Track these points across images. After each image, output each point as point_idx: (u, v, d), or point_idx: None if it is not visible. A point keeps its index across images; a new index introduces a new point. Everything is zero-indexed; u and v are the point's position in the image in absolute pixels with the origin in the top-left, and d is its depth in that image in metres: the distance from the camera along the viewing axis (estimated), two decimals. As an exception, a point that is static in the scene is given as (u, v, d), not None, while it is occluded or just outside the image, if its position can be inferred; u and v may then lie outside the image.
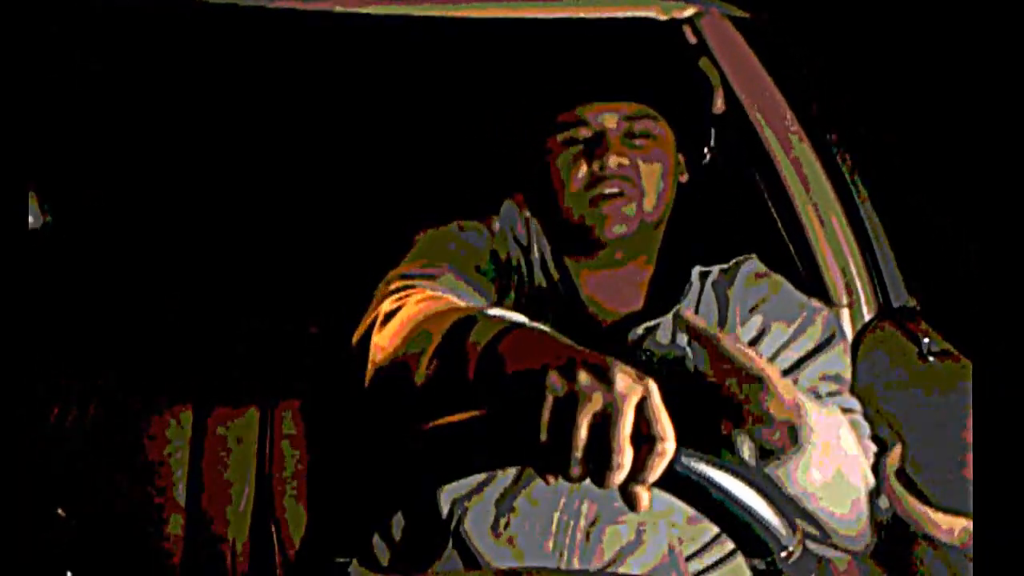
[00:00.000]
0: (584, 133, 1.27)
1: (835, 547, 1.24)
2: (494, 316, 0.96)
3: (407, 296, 1.13)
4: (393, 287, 1.19)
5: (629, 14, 1.42)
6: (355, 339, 1.17)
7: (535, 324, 0.95)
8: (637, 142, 1.27)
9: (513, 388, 0.82)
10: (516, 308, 1.29)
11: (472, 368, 0.90)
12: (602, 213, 1.26)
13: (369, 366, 1.10)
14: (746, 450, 1.11)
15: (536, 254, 1.34)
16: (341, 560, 0.85)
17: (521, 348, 0.87)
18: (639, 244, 1.31)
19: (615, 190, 1.25)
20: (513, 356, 0.86)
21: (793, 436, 1.10)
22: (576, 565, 1.23)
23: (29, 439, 1.52)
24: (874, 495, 1.22)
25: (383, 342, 1.08)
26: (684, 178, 1.35)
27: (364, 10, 1.43)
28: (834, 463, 1.14)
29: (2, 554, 0.80)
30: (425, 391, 0.97)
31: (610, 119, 1.26)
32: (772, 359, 1.30)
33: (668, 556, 1.24)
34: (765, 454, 1.12)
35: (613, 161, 1.25)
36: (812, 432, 1.10)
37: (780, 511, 0.78)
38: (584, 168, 1.26)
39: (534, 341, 0.89)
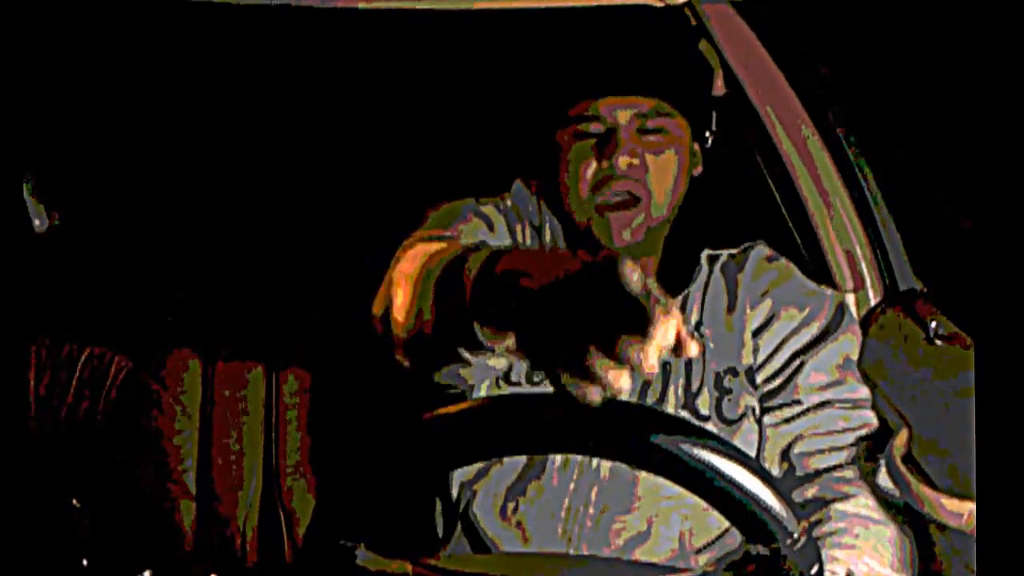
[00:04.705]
0: (596, 128, 1.25)
1: None
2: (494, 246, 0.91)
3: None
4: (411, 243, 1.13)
5: (626, 1, 1.41)
6: (377, 309, 1.10)
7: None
8: (650, 138, 1.25)
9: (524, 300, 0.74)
10: None
11: (468, 295, 0.84)
12: (609, 223, 1.24)
13: (394, 328, 1.02)
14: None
15: (548, 232, 1.33)
16: (348, 544, 0.85)
17: (521, 264, 0.79)
18: (646, 247, 1.30)
19: (622, 191, 1.23)
20: (515, 270, 0.78)
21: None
22: (584, 552, 1.24)
23: (41, 430, 1.54)
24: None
25: (401, 299, 1.01)
26: (698, 170, 1.33)
27: (372, 6, 1.43)
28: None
29: (20, 544, 0.81)
30: (434, 331, 0.93)
31: (623, 115, 1.24)
32: (782, 343, 1.31)
33: (678, 547, 1.24)
34: None
35: (623, 162, 1.23)
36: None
37: (785, 499, 0.78)
38: (593, 165, 1.24)
39: (533, 255, 0.82)
